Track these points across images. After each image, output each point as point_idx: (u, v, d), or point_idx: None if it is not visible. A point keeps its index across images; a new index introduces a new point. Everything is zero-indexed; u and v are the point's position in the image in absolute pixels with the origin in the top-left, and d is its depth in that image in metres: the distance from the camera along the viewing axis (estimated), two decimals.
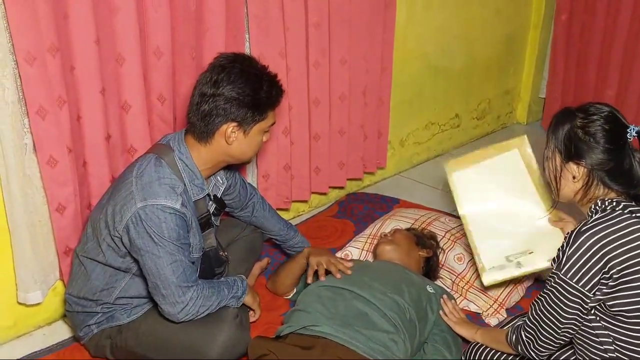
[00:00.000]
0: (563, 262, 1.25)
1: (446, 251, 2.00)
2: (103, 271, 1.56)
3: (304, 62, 2.13)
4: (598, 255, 1.21)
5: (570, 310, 1.26)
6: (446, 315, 1.69)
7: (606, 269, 1.21)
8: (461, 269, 1.94)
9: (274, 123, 1.60)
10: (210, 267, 1.66)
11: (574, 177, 1.32)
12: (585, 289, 1.23)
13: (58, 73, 1.50)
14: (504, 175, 1.78)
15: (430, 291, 1.72)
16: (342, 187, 2.55)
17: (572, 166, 1.32)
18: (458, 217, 2.28)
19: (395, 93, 2.61)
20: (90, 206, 1.72)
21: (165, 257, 1.44)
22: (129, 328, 1.58)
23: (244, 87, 1.47)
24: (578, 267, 1.23)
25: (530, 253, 1.68)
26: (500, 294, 1.86)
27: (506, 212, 1.75)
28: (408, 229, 2.03)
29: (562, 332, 1.29)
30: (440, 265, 1.97)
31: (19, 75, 1.48)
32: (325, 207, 2.55)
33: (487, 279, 1.73)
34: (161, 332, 1.54)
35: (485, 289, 1.84)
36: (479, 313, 1.85)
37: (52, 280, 1.73)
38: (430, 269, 1.91)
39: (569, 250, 1.24)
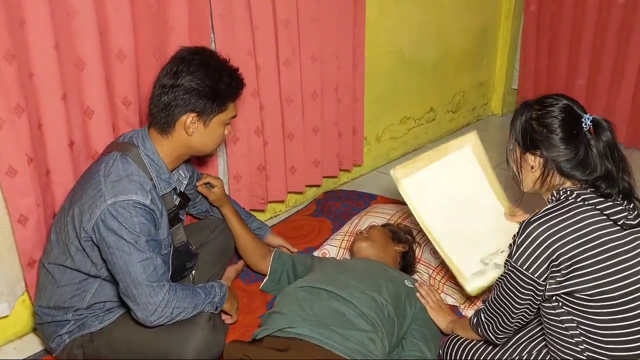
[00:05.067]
0: (514, 250, 1.29)
1: (422, 245, 2.00)
2: (73, 276, 1.53)
3: (274, 60, 2.11)
4: (545, 245, 1.25)
5: (523, 296, 1.31)
6: (423, 297, 1.70)
7: (554, 257, 1.25)
8: (438, 263, 1.94)
9: (235, 116, 1.61)
10: (181, 263, 1.65)
11: (532, 167, 1.36)
12: (535, 275, 1.27)
13: (15, 80, 1.45)
14: (457, 175, 1.71)
15: (408, 285, 1.72)
16: (318, 186, 2.54)
17: (530, 157, 1.36)
18: None
19: (370, 89, 2.60)
20: (55, 216, 1.67)
21: (136, 254, 1.42)
22: (101, 335, 1.55)
23: (203, 78, 1.49)
24: (527, 255, 1.27)
25: (502, 252, 1.66)
26: None
27: (467, 213, 1.70)
28: (384, 225, 2.02)
29: (517, 316, 1.35)
30: (417, 260, 1.97)
31: None
32: (303, 206, 2.53)
33: (471, 286, 1.67)
34: (133, 338, 1.51)
35: (461, 291, 1.78)
36: (457, 306, 1.85)
37: (19, 292, 1.69)
38: (407, 263, 1.91)
39: (518, 240, 1.28)
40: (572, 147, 1.31)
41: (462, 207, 1.71)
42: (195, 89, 1.49)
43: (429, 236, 1.71)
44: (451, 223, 1.70)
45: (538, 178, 1.36)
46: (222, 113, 1.55)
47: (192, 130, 1.53)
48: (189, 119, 1.51)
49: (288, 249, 2.07)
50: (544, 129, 1.32)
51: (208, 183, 1.85)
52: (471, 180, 1.71)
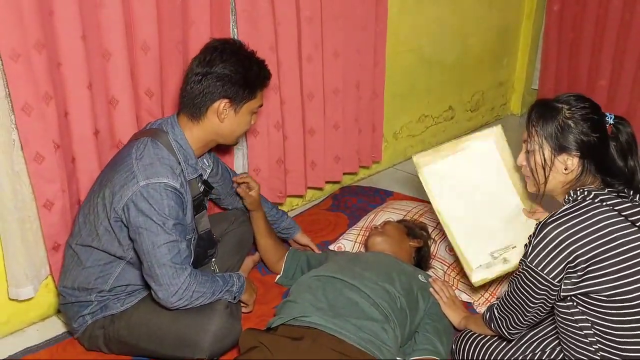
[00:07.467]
0: (530, 250, 1.28)
1: (437, 242, 2.00)
2: (99, 258, 1.57)
3: (296, 56, 2.13)
4: (561, 247, 1.24)
5: (537, 296, 1.30)
6: (437, 292, 1.71)
7: (571, 259, 1.24)
8: (452, 260, 1.95)
9: (261, 105, 1.68)
10: (204, 250, 1.70)
11: (565, 169, 1.34)
12: (550, 276, 1.26)
13: (44, 69, 1.50)
14: (479, 167, 1.71)
15: (422, 280, 1.73)
16: (338, 182, 2.56)
17: (565, 157, 1.33)
18: None
19: (389, 86, 2.60)
20: (79, 202, 1.72)
21: (163, 235, 1.47)
22: (122, 318, 1.59)
23: (235, 66, 1.56)
24: (542, 256, 1.26)
25: (513, 247, 1.65)
26: (492, 284, 1.86)
27: (484, 206, 1.69)
28: (399, 221, 2.03)
29: (530, 314, 1.35)
30: (432, 256, 1.97)
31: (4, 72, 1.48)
32: (319, 200, 2.55)
33: (476, 277, 1.67)
34: (153, 322, 1.55)
35: (475, 288, 1.78)
36: (471, 303, 1.85)
37: (43, 275, 1.74)
38: (422, 259, 1.92)
39: (534, 240, 1.27)
40: (604, 147, 1.30)
41: (480, 199, 1.70)
42: (228, 76, 1.55)
43: (442, 224, 1.71)
44: (467, 213, 1.70)
45: (572, 179, 1.33)
46: (252, 100, 1.61)
47: (223, 117, 1.58)
48: (221, 105, 1.57)
49: (312, 250, 2.06)
50: (580, 129, 1.30)
51: (246, 184, 1.86)
52: (491, 173, 1.70)
